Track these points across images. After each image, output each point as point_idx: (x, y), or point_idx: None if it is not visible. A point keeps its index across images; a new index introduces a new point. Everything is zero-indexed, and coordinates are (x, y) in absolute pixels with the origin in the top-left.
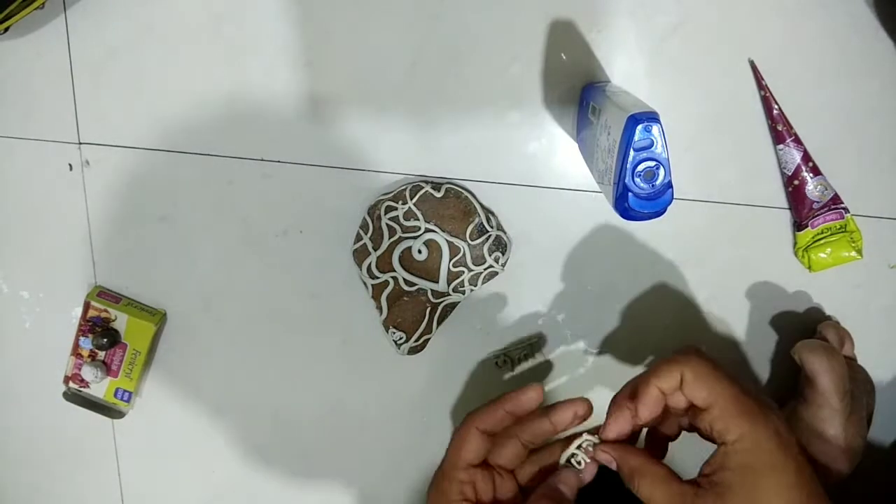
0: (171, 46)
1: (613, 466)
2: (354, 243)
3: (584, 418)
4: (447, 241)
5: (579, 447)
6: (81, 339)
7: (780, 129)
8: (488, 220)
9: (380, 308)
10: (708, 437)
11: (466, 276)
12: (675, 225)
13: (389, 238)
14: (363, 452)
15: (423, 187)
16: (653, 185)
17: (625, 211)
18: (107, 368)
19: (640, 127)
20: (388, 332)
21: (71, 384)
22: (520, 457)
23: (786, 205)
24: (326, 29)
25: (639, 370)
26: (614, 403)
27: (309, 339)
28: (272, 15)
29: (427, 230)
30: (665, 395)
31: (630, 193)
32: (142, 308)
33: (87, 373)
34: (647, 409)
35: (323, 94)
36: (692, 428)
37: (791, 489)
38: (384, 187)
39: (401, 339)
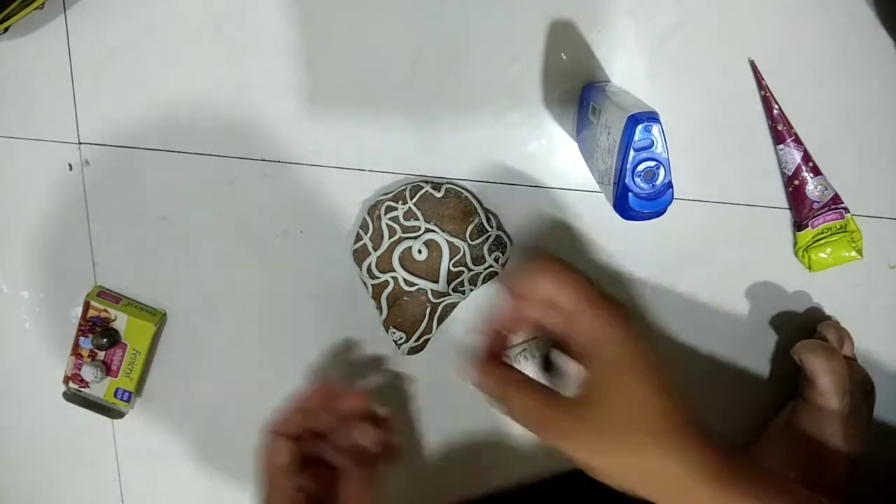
0: (171, 46)
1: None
2: (354, 243)
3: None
4: (447, 240)
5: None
6: (81, 339)
7: (780, 129)
8: (488, 220)
9: (380, 308)
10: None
11: (466, 276)
12: (675, 225)
13: (389, 238)
14: None
15: (423, 187)
16: (653, 185)
17: (625, 211)
18: (107, 368)
19: (640, 127)
20: (388, 332)
21: (71, 384)
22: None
23: (786, 205)
24: (326, 29)
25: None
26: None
27: (309, 339)
28: (272, 15)
29: (427, 230)
30: (521, 300)
31: (630, 193)
32: (141, 308)
33: (87, 373)
34: (507, 315)
35: (323, 94)
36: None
37: (652, 374)
38: (384, 187)
39: (401, 339)
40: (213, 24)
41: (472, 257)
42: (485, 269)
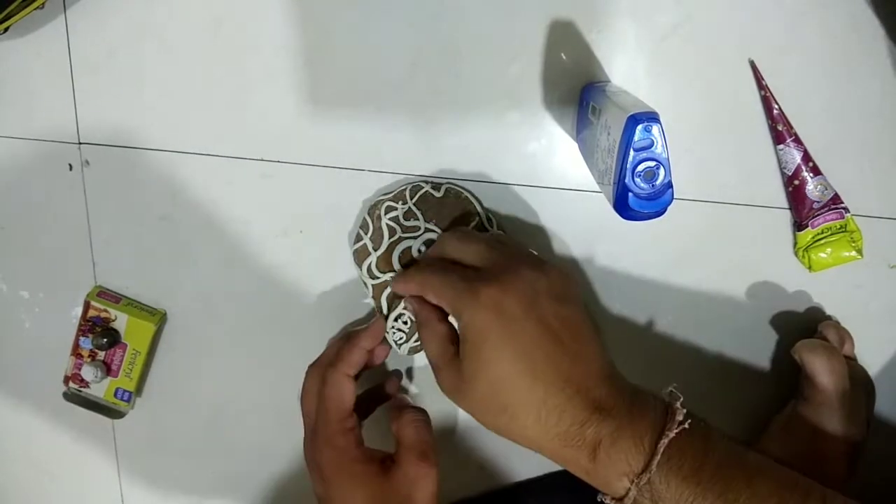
0: (170, 46)
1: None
2: (354, 243)
3: None
4: None
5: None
6: (81, 338)
7: (780, 129)
8: (488, 219)
9: (380, 308)
10: None
11: None
12: (674, 225)
13: (389, 238)
14: None
15: (423, 187)
16: (653, 185)
17: (625, 211)
18: (107, 368)
19: (640, 127)
20: (388, 332)
21: (71, 384)
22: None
23: (786, 205)
24: (326, 29)
25: (638, 370)
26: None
27: (309, 339)
28: (272, 15)
29: (427, 230)
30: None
31: (630, 193)
32: (142, 308)
33: (87, 373)
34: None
35: (323, 94)
36: None
37: (512, 351)
38: (384, 187)
39: (401, 339)
40: (213, 24)
41: None
42: None
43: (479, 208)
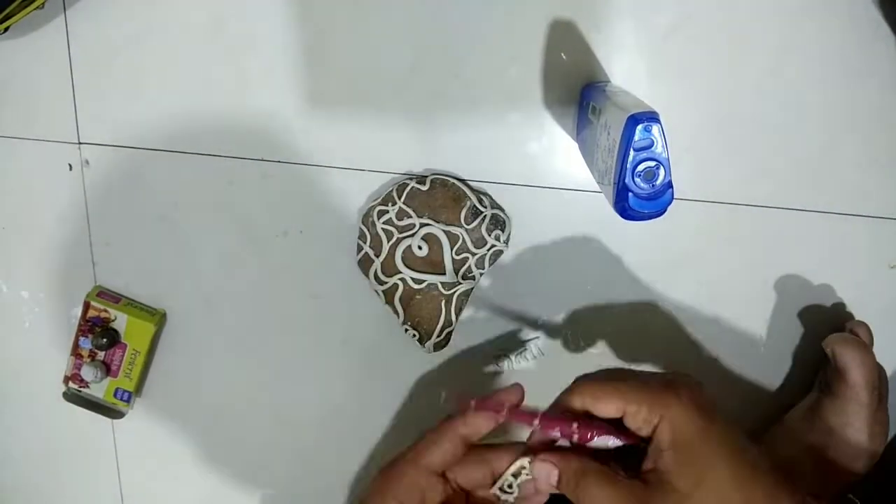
0: (171, 46)
1: (554, 478)
2: (357, 254)
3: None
4: (444, 231)
5: (516, 475)
6: (81, 339)
7: None
8: (480, 201)
9: (396, 311)
10: (645, 438)
11: (472, 261)
12: (674, 225)
13: (388, 242)
14: (363, 452)
15: (408, 184)
16: (653, 185)
17: (625, 211)
18: (107, 368)
19: (640, 127)
20: (409, 334)
21: (71, 384)
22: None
23: (786, 205)
24: (326, 29)
25: (638, 370)
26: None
27: (309, 339)
28: (272, 15)
29: (422, 225)
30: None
31: (630, 193)
32: (141, 308)
33: (87, 373)
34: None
35: (323, 94)
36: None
37: (732, 451)
38: (384, 187)
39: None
40: (213, 24)
41: (472, 241)
42: (489, 250)
43: (468, 192)
